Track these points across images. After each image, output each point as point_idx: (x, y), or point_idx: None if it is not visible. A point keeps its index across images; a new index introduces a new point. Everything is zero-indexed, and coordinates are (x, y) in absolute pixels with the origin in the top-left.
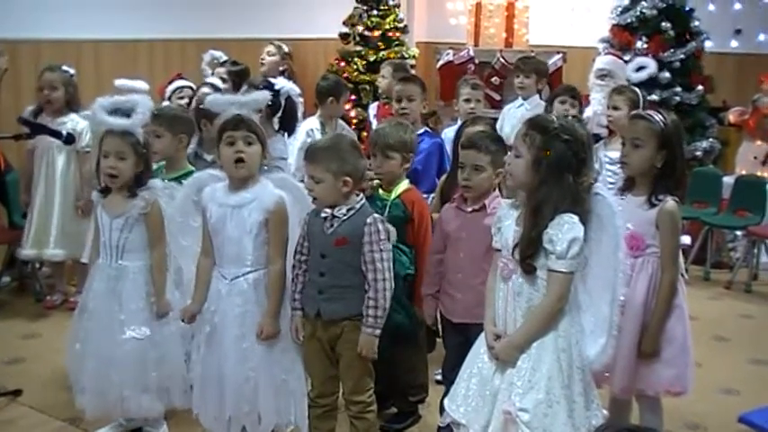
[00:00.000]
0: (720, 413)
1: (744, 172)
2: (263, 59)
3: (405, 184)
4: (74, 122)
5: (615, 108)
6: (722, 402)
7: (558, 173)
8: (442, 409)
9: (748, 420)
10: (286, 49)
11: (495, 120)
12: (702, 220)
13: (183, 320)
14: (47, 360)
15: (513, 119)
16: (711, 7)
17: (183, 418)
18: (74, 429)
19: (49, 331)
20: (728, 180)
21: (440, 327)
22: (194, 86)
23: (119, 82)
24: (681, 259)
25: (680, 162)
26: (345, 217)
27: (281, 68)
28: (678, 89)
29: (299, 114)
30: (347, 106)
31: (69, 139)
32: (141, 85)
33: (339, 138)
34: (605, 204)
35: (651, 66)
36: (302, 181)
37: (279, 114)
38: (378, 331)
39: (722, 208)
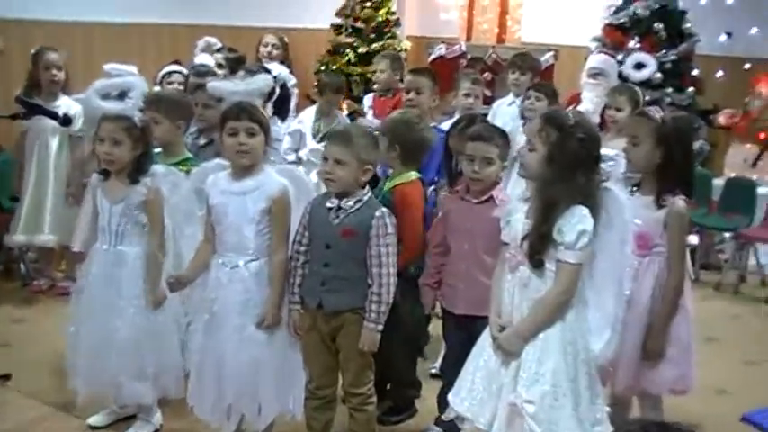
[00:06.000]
0: (714, 413)
1: (733, 174)
2: (269, 53)
3: (406, 177)
4: (67, 105)
5: (618, 110)
6: (715, 402)
7: (571, 170)
8: (439, 403)
9: (753, 420)
10: (285, 39)
11: (485, 115)
12: (692, 222)
13: (168, 284)
14: (34, 345)
15: (504, 116)
16: (703, 9)
17: (177, 406)
18: (64, 414)
19: (36, 316)
20: (717, 182)
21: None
22: (186, 72)
23: (108, 66)
24: (687, 259)
25: (681, 160)
26: (353, 209)
27: (281, 60)
28: (669, 90)
29: (293, 104)
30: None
31: (66, 121)
32: (131, 69)
33: (365, 129)
34: (614, 198)
35: (651, 64)
36: (293, 162)
37: (273, 100)
38: (380, 326)
39: (712, 209)
